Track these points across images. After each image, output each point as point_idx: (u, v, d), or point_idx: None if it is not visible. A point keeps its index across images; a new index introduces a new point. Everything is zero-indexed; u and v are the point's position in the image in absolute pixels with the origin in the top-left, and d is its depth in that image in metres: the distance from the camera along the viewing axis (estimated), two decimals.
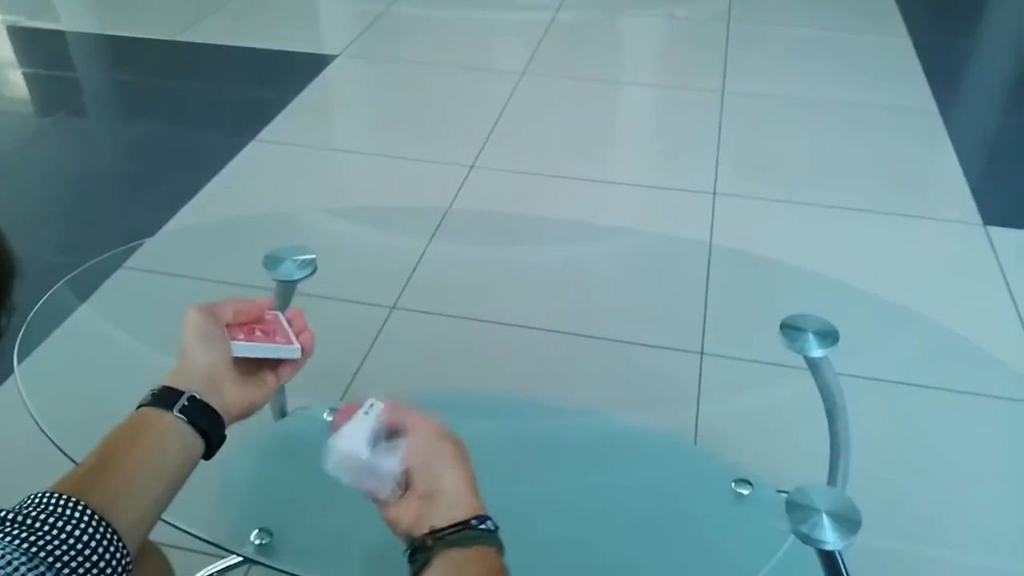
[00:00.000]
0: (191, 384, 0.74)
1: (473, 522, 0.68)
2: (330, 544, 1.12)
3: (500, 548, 0.68)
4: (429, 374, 1.78)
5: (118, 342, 1.51)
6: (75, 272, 1.46)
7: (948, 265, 2.28)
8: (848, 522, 0.86)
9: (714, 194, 2.52)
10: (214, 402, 0.74)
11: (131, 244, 1.82)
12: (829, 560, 0.87)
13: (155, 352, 1.46)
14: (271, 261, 1.28)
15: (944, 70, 3.29)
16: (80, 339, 1.57)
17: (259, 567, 1.08)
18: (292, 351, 0.82)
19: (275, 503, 0.70)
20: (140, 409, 0.72)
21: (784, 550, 1.10)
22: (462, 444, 0.74)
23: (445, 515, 0.68)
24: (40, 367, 1.42)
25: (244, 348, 0.78)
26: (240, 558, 1.19)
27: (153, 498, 0.68)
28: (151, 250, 1.87)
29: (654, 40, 3.78)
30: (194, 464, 0.73)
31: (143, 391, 1.01)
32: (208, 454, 0.74)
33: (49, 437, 1.08)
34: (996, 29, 4.00)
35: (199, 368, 0.75)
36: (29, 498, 0.63)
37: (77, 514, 0.61)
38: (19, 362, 1.21)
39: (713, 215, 2.43)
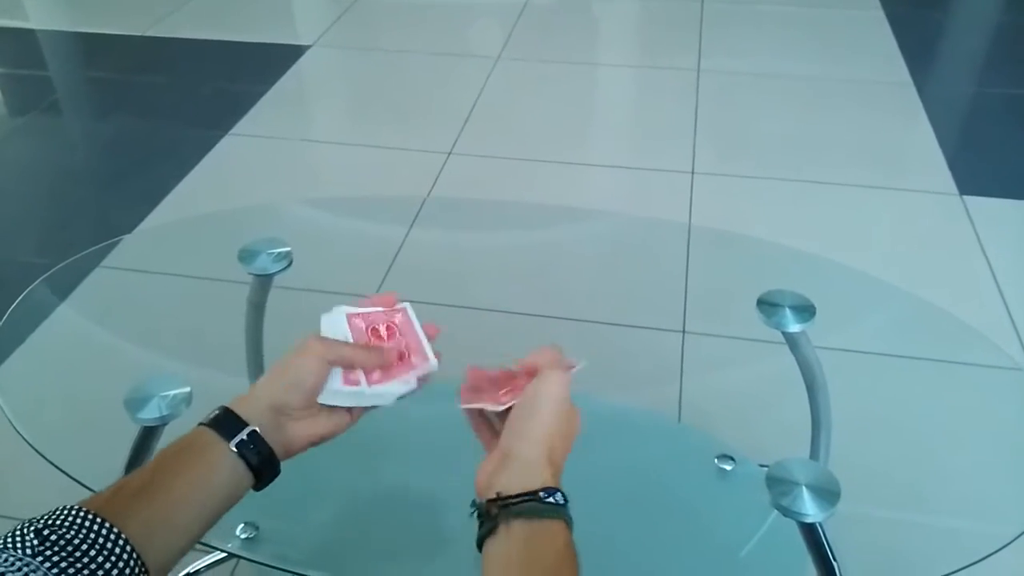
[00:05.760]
0: (254, 415, 0.70)
1: (541, 494, 0.64)
2: (317, 538, 1.12)
3: (568, 523, 0.65)
4: None
5: (97, 342, 1.49)
6: (50, 272, 1.45)
7: (925, 236, 2.30)
8: (828, 494, 0.86)
9: (692, 173, 2.52)
10: (276, 438, 0.71)
11: (108, 242, 1.81)
12: (810, 532, 0.88)
13: (136, 351, 1.45)
14: (246, 255, 1.27)
15: (918, 42, 3.30)
16: (58, 340, 1.55)
17: (246, 561, 1.07)
18: (409, 384, 0.76)
19: (261, 496, 0.70)
20: (199, 428, 0.69)
21: (768, 524, 1.11)
22: (571, 415, 0.72)
23: (514, 482, 0.65)
24: (19, 369, 1.41)
25: (339, 395, 0.73)
26: (225, 553, 1.19)
27: (190, 535, 0.66)
28: (128, 248, 1.85)
29: (628, 21, 3.77)
30: (239, 498, 0.70)
31: (123, 392, 1.01)
32: (259, 486, 0.71)
33: (27, 440, 1.07)
34: (969, 0, 4.02)
35: (263, 400, 0.71)
36: (68, 514, 0.60)
37: (118, 550, 0.59)
38: None
39: (692, 194, 2.43)
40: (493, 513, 0.64)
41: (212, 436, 0.69)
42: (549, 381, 0.71)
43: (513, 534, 0.63)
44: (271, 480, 0.72)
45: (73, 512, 0.60)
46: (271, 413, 0.71)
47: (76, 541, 0.58)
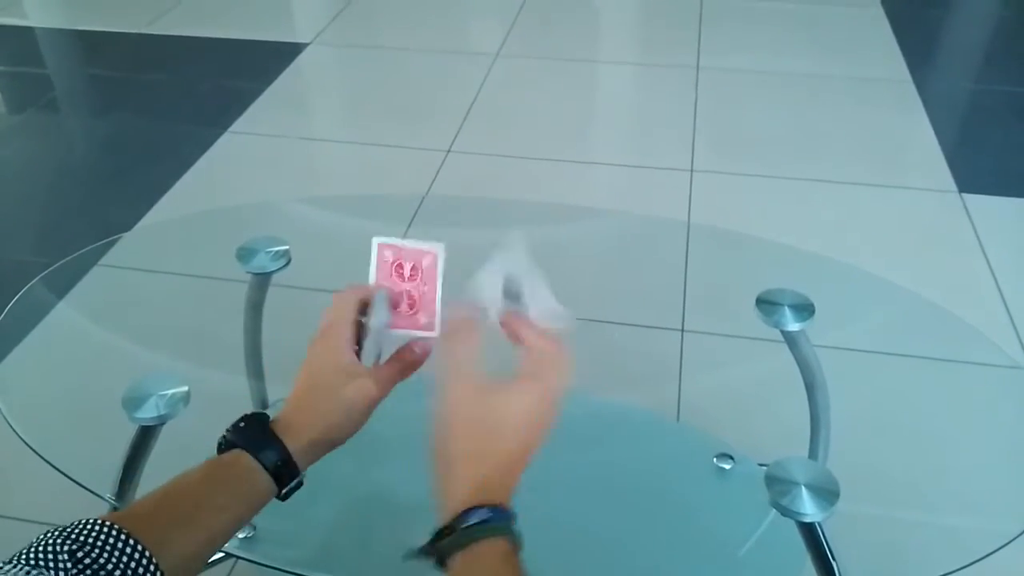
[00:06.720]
0: (299, 450, 0.68)
1: (459, 521, 0.62)
2: (315, 538, 1.12)
3: (498, 534, 0.61)
4: None
5: (95, 341, 1.49)
6: (48, 270, 1.44)
7: (924, 234, 2.30)
8: (827, 493, 0.86)
9: (691, 171, 2.52)
10: (306, 460, 0.69)
11: (106, 240, 1.80)
12: (809, 531, 0.88)
13: (134, 350, 1.45)
14: (244, 253, 1.26)
15: (917, 39, 3.30)
16: (56, 339, 1.55)
17: (244, 561, 1.07)
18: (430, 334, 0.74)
19: None
20: (238, 455, 0.67)
21: (767, 523, 1.11)
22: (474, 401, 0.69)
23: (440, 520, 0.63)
24: (16, 369, 1.41)
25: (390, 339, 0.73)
26: (223, 553, 1.19)
27: (211, 557, 0.66)
28: (126, 246, 1.84)
29: (628, 18, 3.76)
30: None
31: (120, 391, 1.01)
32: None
33: (24, 440, 1.07)
34: None
35: (305, 436, 0.69)
36: (105, 534, 0.58)
37: None
38: None
39: (691, 192, 2.43)
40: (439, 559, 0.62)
41: (254, 468, 0.66)
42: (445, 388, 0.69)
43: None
44: (291, 494, 0.70)
45: (114, 535, 0.58)
46: (310, 446, 0.69)
47: (109, 567, 0.56)
